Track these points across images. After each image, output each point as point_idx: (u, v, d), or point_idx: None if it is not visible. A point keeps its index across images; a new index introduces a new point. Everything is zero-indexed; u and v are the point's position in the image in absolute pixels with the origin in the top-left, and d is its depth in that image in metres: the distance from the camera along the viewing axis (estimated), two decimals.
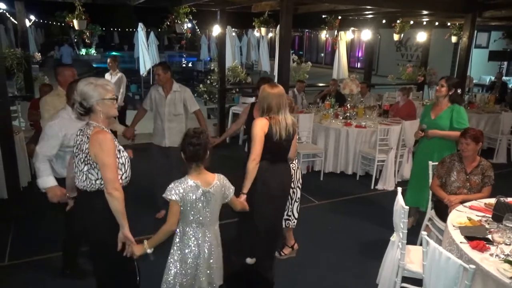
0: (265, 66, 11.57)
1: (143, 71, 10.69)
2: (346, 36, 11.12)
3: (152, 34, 11.85)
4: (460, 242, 2.64)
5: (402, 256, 2.95)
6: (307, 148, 6.16)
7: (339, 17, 8.82)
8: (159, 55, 12.52)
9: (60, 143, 2.95)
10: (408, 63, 12.47)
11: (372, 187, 5.86)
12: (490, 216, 3.00)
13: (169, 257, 2.49)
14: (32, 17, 16.99)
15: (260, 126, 3.01)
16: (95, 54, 25.87)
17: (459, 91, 4.33)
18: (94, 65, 20.50)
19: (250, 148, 3.09)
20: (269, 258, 3.38)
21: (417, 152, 4.53)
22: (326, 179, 6.15)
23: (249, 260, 3.29)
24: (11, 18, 11.57)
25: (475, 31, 7.71)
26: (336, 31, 9.21)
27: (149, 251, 2.38)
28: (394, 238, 3.15)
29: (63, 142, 2.96)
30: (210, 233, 2.51)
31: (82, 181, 2.37)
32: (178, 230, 2.47)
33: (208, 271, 2.52)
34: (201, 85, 9.27)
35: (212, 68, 9.62)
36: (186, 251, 2.46)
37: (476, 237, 2.68)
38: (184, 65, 21.97)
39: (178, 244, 2.48)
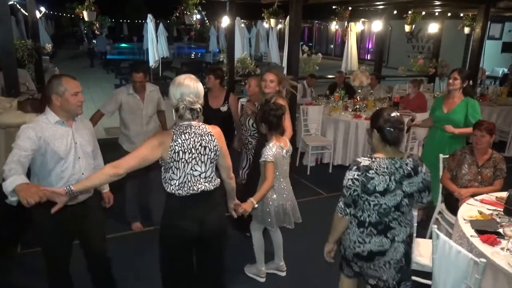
0: (274, 57, 11.50)
1: (152, 63, 10.70)
2: (356, 28, 10.99)
3: (161, 25, 11.83)
4: (471, 236, 2.62)
5: (412, 249, 2.94)
6: (316, 140, 6.14)
7: (350, 8, 8.71)
8: (168, 46, 12.47)
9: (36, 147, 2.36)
10: (419, 55, 12.33)
11: None
12: (502, 210, 2.97)
13: (267, 202, 3.17)
14: (43, 9, 17.12)
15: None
16: (98, 47, 25.93)
17: (471, 82, 4.25)
18: (110, 57, 20.58)
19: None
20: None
21: (427, 145, 4.49)
22: (335, 171, 6.13)
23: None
24: (21, 9, 11.62)
25: (489, 22, 7.57)
26: (346, 22, 9.10)
27: (256, 205, 2.91)
28: None
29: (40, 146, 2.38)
30: (288, 182, 3.28)
31: (214, 180, 2.43)
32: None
33: (293, 208, 3.31)
34: (204, 75, 9.25)
35: (221, 59, 9.60)
36: (278, 197, 3.21)
37: (487, 231, 2.66)
38: (193, 57, 21.99)
39: (273, 191, 3.17)
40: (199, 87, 2.33)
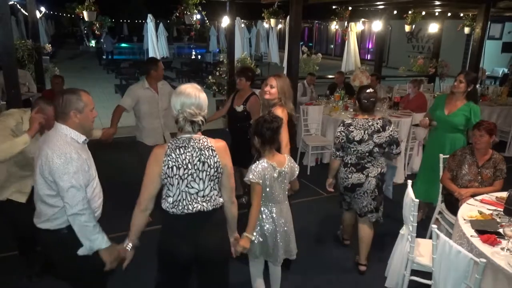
0: (274, 57, 11.52)
1: None
2: (356, 27, 11.00)
3: (161, 25, 11.87)
4: (471, 236, 2.62)
5: (412, 249, 2.94)
6: (316, 141, 6.14)
7: (350, 8, 8.71)
8: (168, 46, 12.47)
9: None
10: (419, 55, 12.31)
11: None
12: (502, 210, 2.97)
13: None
14: (43, 9, 17.13)
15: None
16: (104, 46, 25.93)
17: (477, 86, 4.23)
18: (104, 57, 20.61)
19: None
20: None
21: (428, 145, 4.48)
22: None
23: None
24: (22, 9, 11.64)
25: (489, 22, 7.57)
26: (346, 22, 9.11)
27: (253, 238, 2.65)
28: (403, 231, 3.13)
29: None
30: (284, 208, 2.83)
31: (214, 200, 2.23)
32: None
33: (285, 241, 2.84)
34: (210, 77, 9.25)
35: (221, 59, 9.60)
36: (266, 227, 2.77)
37: (487, 231, 2.65)
38: (193, 57, 21.99)
39: (258, 221, 2.74)
40: (202, 98, 2.14)
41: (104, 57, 20.30)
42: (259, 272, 3.03)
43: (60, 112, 2.23)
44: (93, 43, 28.52)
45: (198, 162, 2.14)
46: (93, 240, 2.19)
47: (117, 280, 2.90)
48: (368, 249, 3.58)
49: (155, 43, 10.50)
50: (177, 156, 2.12)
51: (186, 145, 2.14)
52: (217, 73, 8.88)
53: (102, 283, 2.55)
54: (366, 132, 3.27)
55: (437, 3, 8.22)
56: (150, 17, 10.54)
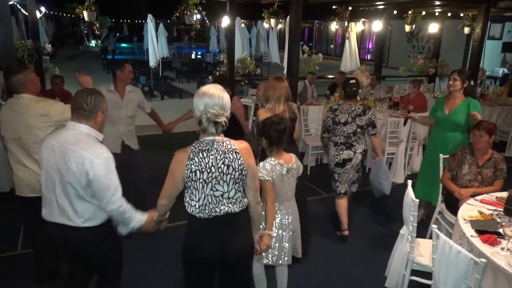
0: (274, 57, 11.51)
1: (152, 63, 10.71)
2: (356, 27, 10.99)
3: (161, 25, 11.84)
4: (471, 236, 2.62)
5: (412, 249, 2.94)
6: (316, 141, 6.13)
7: (350, 8, 8.71)
8: (168, 46, 12.47)
9: None
10: (419, 55, 12.30)
11: None
12: (502, 210, 2.97)
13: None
14: (43, 9, 17.12)
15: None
16: (109, 46, 25.93)
17: (472, 83, 4.25)
18: (109, 56, 20.59)
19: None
20: None
21: (429, 145, 4.48)
22: None
23: None
24: (22, 9, 11.63)
25: (489, 22, 7.57)
26: (346, 22, 9.10)
27: (274, 234, 2.72)
28: (403, 231, 3.13)
29: None
30: (292, 206, 2.88)
31: (240, 202, 2.22)
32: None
33: (293, 239, 2.89)
34: (210, 77, 9.26)
35: (221, 59, 9.60)
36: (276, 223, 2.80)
37: (487, 231, 2.65)
38: (193, 57, 21.99)
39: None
40: (225, 98, 2.11)
41: (110, 56, 20.27)
42: (262, 275, 3.05)
43: (88, 111, 2.26)
44: (93, 43, 28.52)
45: (223, 165, 2.11)
46: (134, 223, 2.34)
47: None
48: (347, 217, 4.17)
49: (155, 43, 10.48)
50: (200, 160, 2.09)
51: (210, 148, 2.11)
52: (217, 73, 8.88)
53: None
54: (349, 115, 3.92)
55: (437, 3, 8.22)
56: (150, 17, 10.52)
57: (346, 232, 4.16)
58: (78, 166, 2.15)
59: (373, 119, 3.98)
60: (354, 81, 4.03)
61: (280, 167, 2.72)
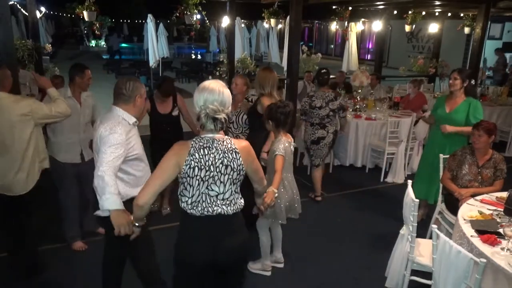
0: (274, 57, 11.50)
1: (152, 63, 10.70)
2: (356, 28, 10.99)
3: (161, 25, 11.82)
4: (471, 236, 2.62)
5: (412, 249, 2.94)
6: None
7: (350, 8, 8.71)
8: (168, 46, 12.46)
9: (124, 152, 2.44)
10: (419, 55, 12.29)
11: (382, 180, 5.82)
12: (502, 210, 2.97)
13: (278, 196, 3.12)
14: (43, 9, 17.12)
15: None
16: (104, 46, 25.96)
17: (472, 82, 4.25)
18: (104, 57, 20.61)
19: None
20: None
21: (428, 145, 4.49)
22: (335, 172, 6.14)
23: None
24: (22, 9, 11.64)
25: (489, 22, 7.57)
26: (346, 22, 9.11)
27: (277, 193, 2.89)
28: (403, 231, 3.14)
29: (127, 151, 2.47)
30: (291, 177, 3.41)
31: (234, 204, 2.15)
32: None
33: (293, 202, 3.40)
34: (210, 77, 9.25)
35: (221, 59, 9.60)
36: (289, 189, 3.36)
37: (487, 231, 2.65)
38: (193, 57, 22.00)
39: (282, 185, 3.29)
40: (226, 94, 2.06)
41: (117, 57, 20.28)
42: (266, 227, 3.49)
43: (126, 96, 2.49)
44: (93, 43, 28.51)
45: (221, 165, 2.06)
46: (105, 199, 2.27)
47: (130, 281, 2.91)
48: (320, 184, 5.02)
49: (155, 43, 10.47)
50: (201, 156, 2.04)
51: (210, 145, 2.06)
52: (217, 73, 8.88)
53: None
54: (324, 100, 4.75)
55: (437, 3, 8.22)
56: (150, 17, 10.50)
57: (319, 198, 5.05)
58: (98, 142, 2.41)
59: (344, 103, 4.98)
60: (325, 70, 4.88)
61: (288, 144, 3.24)
